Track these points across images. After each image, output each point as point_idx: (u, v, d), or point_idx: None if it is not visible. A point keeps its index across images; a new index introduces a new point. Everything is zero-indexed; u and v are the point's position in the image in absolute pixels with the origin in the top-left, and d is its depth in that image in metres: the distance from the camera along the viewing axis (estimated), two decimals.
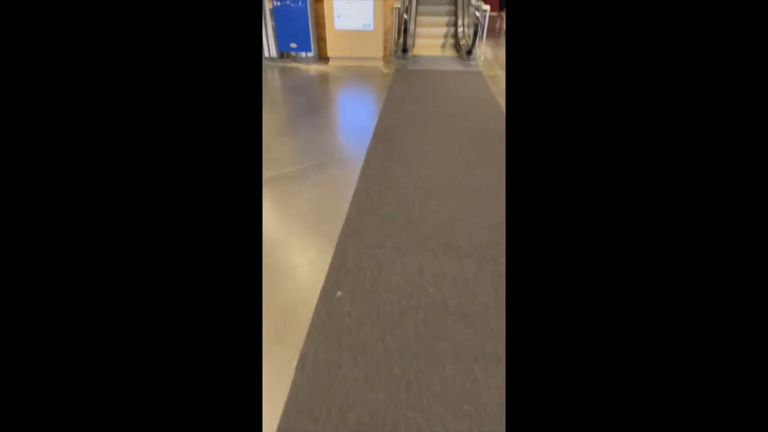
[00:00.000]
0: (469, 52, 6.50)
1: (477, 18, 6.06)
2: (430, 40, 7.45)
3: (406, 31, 6.22)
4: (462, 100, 4.58)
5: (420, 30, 7.50)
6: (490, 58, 6.77)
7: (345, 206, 2.60)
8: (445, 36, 7.48)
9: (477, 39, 6.17)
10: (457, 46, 7.19)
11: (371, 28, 5.87)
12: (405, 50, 6.55)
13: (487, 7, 6.40)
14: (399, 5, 6.73)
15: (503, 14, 9.21)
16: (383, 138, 3.56)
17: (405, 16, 6.26)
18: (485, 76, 5.60)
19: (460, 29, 7.34)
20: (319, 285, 1.98)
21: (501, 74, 5.76)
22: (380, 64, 6.11)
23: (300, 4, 5.82)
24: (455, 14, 7.60)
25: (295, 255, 2.21)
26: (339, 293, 1.94)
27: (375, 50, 6.03)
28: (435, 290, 1.95)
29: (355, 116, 4.42)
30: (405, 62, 6.31)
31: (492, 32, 8.63)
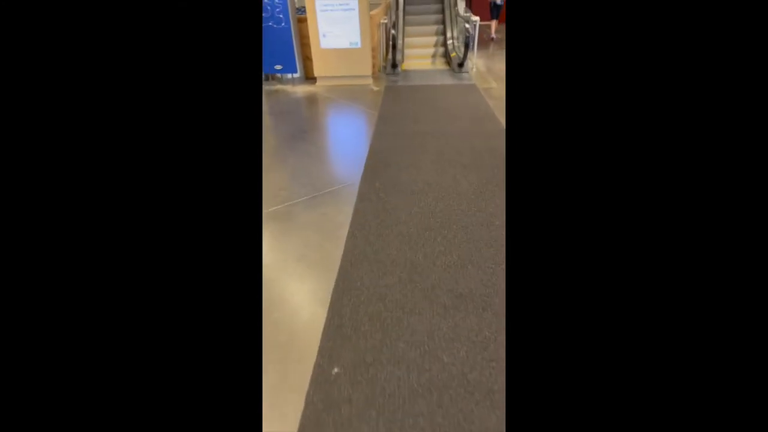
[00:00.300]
0: (461, 65, 6.27)
1: (467, 29, 5.84)
2: (420, 52, 7.23)
3: (394, 46, 5.98)
4: (459, 117, 4.31)
5: (409, 43, 7.28)
6: (483, 69, 6.54)
7: (338, 252, 2.28)
8: (435, 48, 7.27)
9: (468, 51, 5.94)
10: (447, 59, 6.96)
11: (359, 45, 5.63)
12: (394, 66, 6.31)
13: (477, 18, 6.19)
14: (386, 20, 6.50)
15: (494, 24, 8.97)
16: (377, 165, 3.27)
17: (393, 31, 6.03)
18: (480, 89, 5.35)
19: (449, 41, 7.13)
20: (312, 358, 1.66)
21: (496, 86, 5.52)
22: (370, 81, 5.86)
23: (283, 24, 5.58)
24: (443, 26, 7.39)
25: (282, 322, 1.88)
26: (335, 370, 1.61)
27: (364, 68, 5.78)
28: (450, 359, 1.63)
29: (346, 141, 4.12)
30: (395, 78, 6.07)
31: (482, 42, 8.42)
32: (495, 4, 8.69)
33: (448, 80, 5.88)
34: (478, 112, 4.46)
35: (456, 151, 3.45)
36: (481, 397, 1.48)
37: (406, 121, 4.24)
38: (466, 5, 8.10)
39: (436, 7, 7.83)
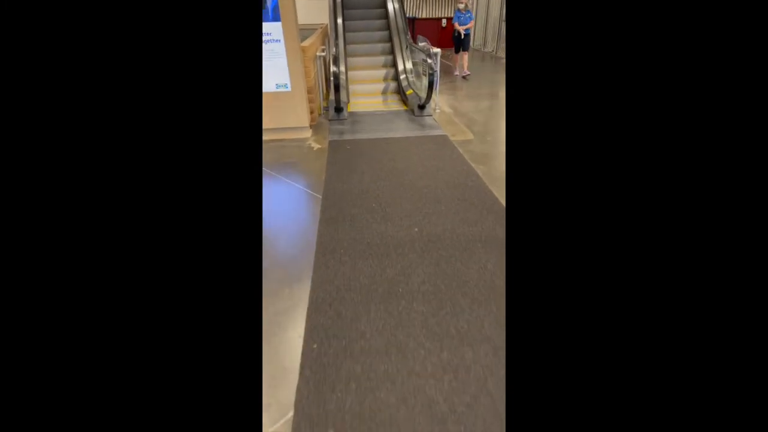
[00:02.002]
0: (422, 106, 4.96)
1: (430, 65, 4.54)
2: (368, 88, 5.84)
3: (337, 86, 4.54)
4: (439, 200, 2.90)
5: (354, 77, 5.88)
6: (448, 110, 5.28)
7: None
8: (385, 83, 5.92)
9: (432, 91, 4.64)
10: (402, 96, 5.64)
11: (288, 88, 4.12)
12: (339, 110, 4.86)
13: (438, 50, 4.93)
14: (323, 53, 5.07)
15: (465, 58, 7.19)
16: (327, 302, 1.76)
17: (334, 68, 4.58)
18: (454, 143, 4.04)
19: (402, 76, 5.83)
20: None
21: (472, 137, 4.23)
22: (307, 134, 4.36)
23: None
24: (393, 56, 6.09)
25: None
26: None
27: (298, 117, 4.26)
28: None
29: (273, 250, 2.57)
30: (341, 127, 4.61)
31: (446, 75, 7.17)
32: (461, 34, 6.97)
33: (409, 129, 4.51)
34: (465, 189, 3.09)
35: (456, 289, 2.01)
36: None
37: (361, 206, 2.75)
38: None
39: (382, 34, 6.53)
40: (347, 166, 3.50)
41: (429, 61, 4.55)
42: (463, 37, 7.00)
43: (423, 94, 4.91)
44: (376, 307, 1.86)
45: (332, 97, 4.79)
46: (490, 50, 10.40)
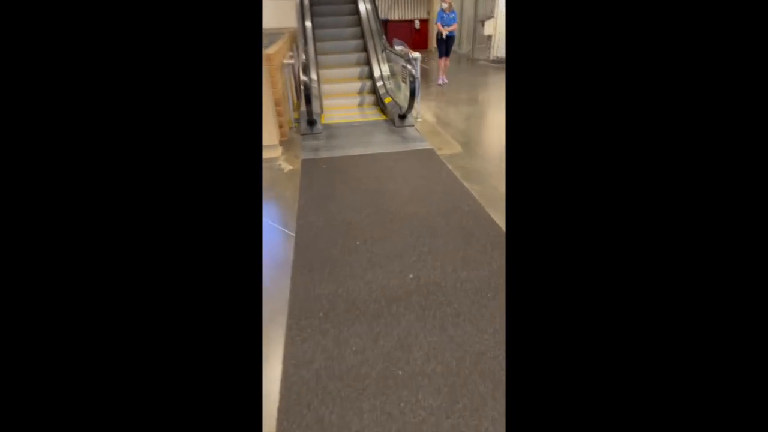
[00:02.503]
0: (403, 116, 4.53)
1: (410, 72, 4.11)
2: (343, 102, 5.36)
3: (308, 98, 4.05)
4: (431, 224, 2.47)
5: (328, 90, 5.40)
6: (431, 118, 4.87)
7: None
8: (361, 95, 5.47)
9: (414, 100, 4.20)
10: (381, 105, 5.20)
11: None
12: (312, 122, 4.38)
13: (418, 55, 4.51)
14: (291, 60, 4.57)
15: (443, 64, 6.62)
16: (303, 401, 1.32)
17: (304, 77, 4.10)
18: (441, 158, 3.62)
19: (379, 83, 5.39)
20: None
21: (460, 150, 3.83)
22: (277, 152, 3.85)
23: None
24: (369, 65, 5.64)
25: None
26: None
27: (265, 133, 3.77)
28: None
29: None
30: (315, 142, 4.13)
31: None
32: (444, 37, 6.42)
33: (391, 142, 4.07)
34: (462, 216, 2.66)
35: (471, 366, 1.55)
36: None
37: (344, 254, 2.27)
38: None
39: (356, 42, 6.06)
40: (324, 192, 3.02)
41: (409, 67, 4.12)
42: (446, 39, 6.47)
43: (404, 104, 4.49)
44: (370, 405, 1.39)
45: (304, 109, 4.30)
46: (465, 52, 10.08)
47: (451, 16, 6.36)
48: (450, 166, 3.43)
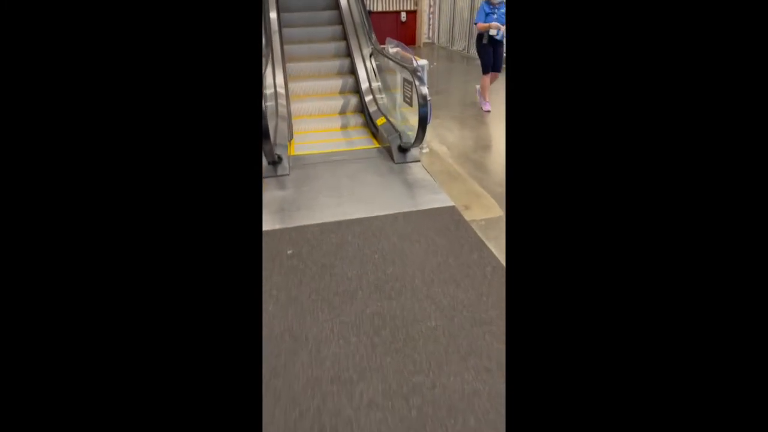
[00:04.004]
0: (405, 149, 3.21)
1: (416, 88, 2.77)
2: (319, 122, 4.00)
3: (266, 134, 2.66)
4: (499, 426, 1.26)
5: (300, 109, 4.00)
6: (438, 145, 3.56)
7: None
8: (344, 113, 4.11)
9: (424, 131, 2.86)
10: (371, 126, 3.87)
11: None
12: (276, 161, 3.00)
13: (425, 62, 3.20)
14: None
15: (487, 78, 4.35)
16: None
17: (267, 103, 2.70)
18: (474, 228, 2.33)
19: (367, 97, 4.03)
20: None
21: (500, 211, 2.55)
22: None
23: None
24: (353, 71, 4.28)
25: None
26: None
27: None
28: None
29: None
30: (279, 194, 2.76)
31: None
32: (490, 40, 4.09)
33: (392, 194, 2.72)
34: None
35: None
36: None
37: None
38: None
39: (338, 46, 4.66)
40: (290, 328, 1.67)
41: (415, 82, 2.79)
42: (492, 44, 4.12)
43: (402, 126, 3.18)
44: None
45: (267, 145, 2.91)
46: (459, 49, 8.77)
47: (501, 11, 3.94)
48: (494, 250, 2.14)
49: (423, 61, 3.19)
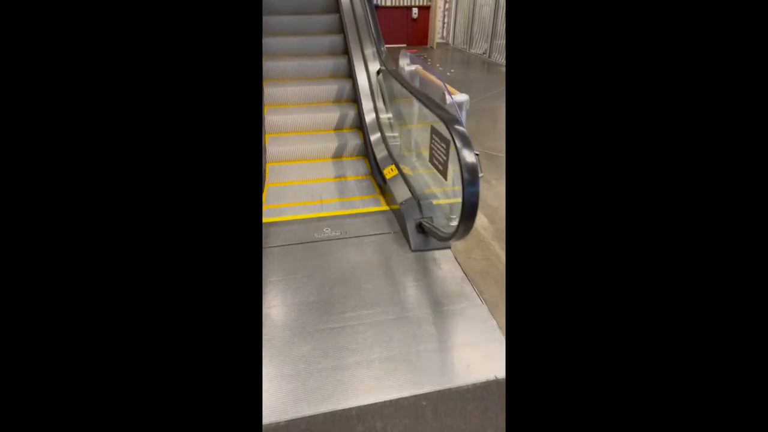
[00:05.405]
0: (423, 229, 2.10)
1: (459, 152, 1.63)
2: (305, 169, 2.88)
3: None
4: None
5: (282, 153, 2.88)
6: (490, 234, 2.46)
7: None
8: (339, 157, 2.99)
9: (472, 220, 1.75)
10: (375, 174, 2.76)
11: None
12: None
13: (464, 97, 2.08)
14: None
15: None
16: None
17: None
18: None
19: (373, 136, 2.90)
20: None
21: None
22: None
23: None
24: (355, 98, 3.15)
25: None
26: None
27: None
28: None
29: None
30: None
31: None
32: None
33: (407, 311, 1.59)
34: None
35: None
36: None
37: None
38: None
39: (336, 63, 3.53)
40: None
41: (458, 145, 1.64)
42: None
43: (439, 213, 2.08)
44: None
45: None
46: (480, 52, 7.57)
47: None
48: None
49: (461, 97, 2.07)
